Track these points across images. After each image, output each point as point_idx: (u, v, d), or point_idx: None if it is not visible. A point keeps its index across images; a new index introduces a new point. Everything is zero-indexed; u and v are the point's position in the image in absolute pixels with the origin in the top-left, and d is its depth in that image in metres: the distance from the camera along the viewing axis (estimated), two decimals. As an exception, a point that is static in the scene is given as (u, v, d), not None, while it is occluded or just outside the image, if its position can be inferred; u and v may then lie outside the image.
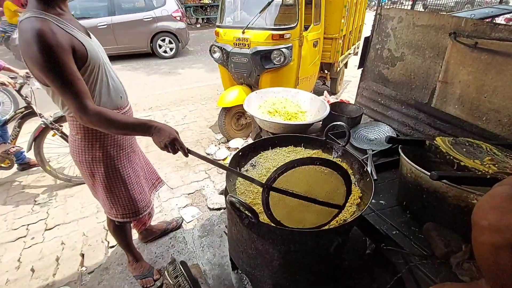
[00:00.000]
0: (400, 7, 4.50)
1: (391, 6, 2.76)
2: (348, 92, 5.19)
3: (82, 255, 1.96)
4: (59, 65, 0.97)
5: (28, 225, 2.26)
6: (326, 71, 4.43)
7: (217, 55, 3.38)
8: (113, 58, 7.27)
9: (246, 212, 0.95)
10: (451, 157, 1.23)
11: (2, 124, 2.52)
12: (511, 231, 0.67)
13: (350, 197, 1.16)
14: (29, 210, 2.40)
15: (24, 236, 2.15)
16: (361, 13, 4.78)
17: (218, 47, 3.29)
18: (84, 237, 2.12)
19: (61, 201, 2.52)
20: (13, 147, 2.52)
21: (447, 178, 1.06)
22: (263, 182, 0.95)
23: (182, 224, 2.20)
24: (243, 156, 1.42)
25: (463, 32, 1.62)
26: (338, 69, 4.28)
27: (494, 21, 3.68)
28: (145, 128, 1.07)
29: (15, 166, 2.82)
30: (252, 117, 2.39)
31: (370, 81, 2.37)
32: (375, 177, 1.55)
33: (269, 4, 3.07)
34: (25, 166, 2.82)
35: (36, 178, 2.81)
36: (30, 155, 2.80)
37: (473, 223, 0.78)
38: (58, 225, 2.26)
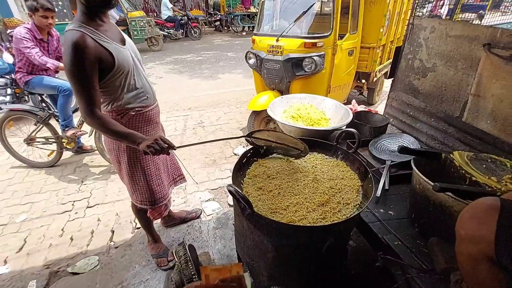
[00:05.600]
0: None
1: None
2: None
3: (112, 232, 2.22)
4: (80, 75, 1.15)
5: (74, 201, 2.60)
6: (363, 81, 4.32)
7: (252, 61, 3.53)
8: (166, 63, 7.93)
9: (242, 202, 1.03)
10: (463, 172, 1.18)
11: (73, 111, 2.96)
12: (486, 242, 0.66)
13: (349, 201, 1.18)
14: (76, 189, 2.77)
15: (70, 210, 2.49)
16: (405, 23, 4.58)
17: (253, 53, 3.44)
18: (116, 216, 2.39)
19: (102, 184, 2.85)
20: (80, 131, 2.94)
21: (450, 191, 1.03)
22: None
23: (201, 215, 2.34)
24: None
25: (498, 43, 1.52)
26: (375, 79, 4.15)
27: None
28: (133, 139, 1.23)
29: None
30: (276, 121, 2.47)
31: (400, 92, 2.30)
32: (387, 187, 1.53)
33: (304, 13, 3.14)
34: (79, 150, 3.25)
35: (86, 162, 3.22)
36: (85, 142, 3.26)
37: (455, 232, 0.77)
38: (98, 204, 2.57)
